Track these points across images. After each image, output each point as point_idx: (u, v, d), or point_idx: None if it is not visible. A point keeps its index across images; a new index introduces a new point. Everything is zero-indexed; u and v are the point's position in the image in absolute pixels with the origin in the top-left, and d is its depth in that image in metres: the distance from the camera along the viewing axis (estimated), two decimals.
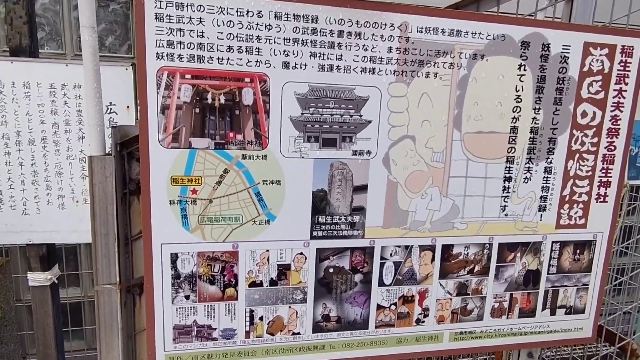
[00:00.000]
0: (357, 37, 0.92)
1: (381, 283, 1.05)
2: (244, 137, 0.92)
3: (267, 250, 0.98)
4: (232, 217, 0.94)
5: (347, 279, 1.03)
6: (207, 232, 0.94)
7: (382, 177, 1.00)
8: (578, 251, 1.15)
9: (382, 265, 1.04)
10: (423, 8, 0.95)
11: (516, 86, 1.02)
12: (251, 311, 0.99)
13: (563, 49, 1.03)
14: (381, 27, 0.93)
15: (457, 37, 0.97)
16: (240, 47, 0.88)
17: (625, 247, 1.49)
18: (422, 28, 0.95)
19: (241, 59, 0.89)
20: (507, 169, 1.06)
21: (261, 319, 1.00)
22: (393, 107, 0.97)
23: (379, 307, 1.06)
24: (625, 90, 1.08)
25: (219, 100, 0.89)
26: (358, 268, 1.03)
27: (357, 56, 0.93)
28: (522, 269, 1.12)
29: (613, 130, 1.10)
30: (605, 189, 1.13)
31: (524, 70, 1.02)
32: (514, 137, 1.05)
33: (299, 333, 1.03)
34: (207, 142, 0.90)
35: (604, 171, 1.12)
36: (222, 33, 0.87)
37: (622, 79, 1.07)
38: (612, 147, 1.11)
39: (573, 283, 1.16)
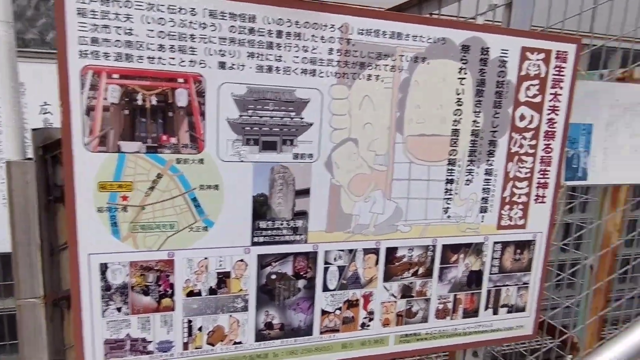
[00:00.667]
0: (297, 37, 0.90)
1: (325, 288, 1.03)
2: (178, 140, 0.87)
3: (206, 258, 0.94)
4: (167, 224, 0.90)
5: (290, 285, 1.01)
6: (139, 241, 0.89)
7: (324, 181, 0.98)
8: (518, 251, 1.18)
9: (326, 270, 1.02)
10: (364, 9, 0.94)
11: (457, 89, 1.03)
12: (189, 322, 0.95)
13: (502, 53, 1.05)
14: (321, 28, 0.91)
15: (398, 39, 0.97)
16: (173, 45, 0.84)
17: (565, 244, 1.56)
18: (363, 30, 0.94)
19: (174, 59, 0.84)
20: (449, 171, 1.07)
21: (200, 329, 0.96)
22: (335, 109, 0.96)
23: (324, 312, 1.05)
24: (561, 94, 1.12)
25: (150, 101, 0.85)
26: (301, 274, 1.01)
27: (297, 57, 0.91)
28: (465, 270, 1.14)
29: (550, 133, 1.13)
30: (544, 190, 1.16)
31: (465, 73, 1.03)
32: (455, 140, 1.06)
33: (240, 342, 0.99)
34: (138, 145, 0.85)
35: (541, 173, 1.15)
36: (152, 31, 0.82)
37: (557, 83, 1.11)
38: (549, 149, 1.14)
39: (514, 282, 1.19)
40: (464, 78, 1.03)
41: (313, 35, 0.91)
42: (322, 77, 0.93)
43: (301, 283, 1.02)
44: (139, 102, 0.84)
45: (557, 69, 1.10)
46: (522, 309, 1.22)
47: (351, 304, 1.07)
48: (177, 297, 0.94)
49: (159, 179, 0.88)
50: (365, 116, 0.98)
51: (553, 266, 2.07)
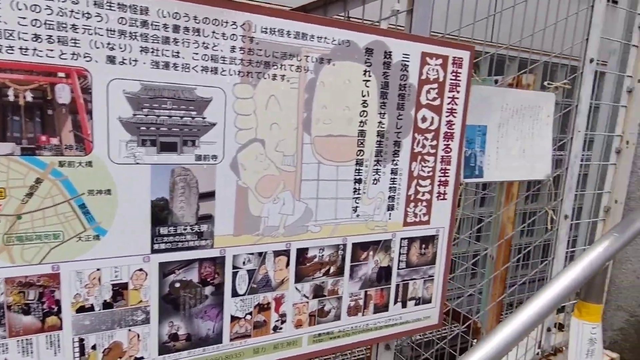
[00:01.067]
0: (196, 33, 0.86)
1: (235, 293, 1.00)
2: (61, 141, 0.79)
3: (98, 270, 0.86)
4: (50, 235, 0.81)
5: (197, 293, 0.96)
6: (16, 254, 0.79)
7: (230, 183, 0.95)
8: (424, 246, 1.24)
9: (234, 274, 0.99)
10: (267, 8, 0.92)
11: (362, 91, 1.05)
12: (81, 340, 0.87)
13: (403, 57, 1.09)
14: (222, 25, 0.88)
15: (303, 40, 0.96)
16: (51, 36, 0.75)
17: (468, 237, 1.68)
18: (266, 29, 0.92)
19: (52, 50, 0.76)
20: (357, 171, 1.09)
21: (94, 347, 0.88)
22: (239, 109, 0.93)
23: (234, 318, 1.01)
24: (458, 98, 1.19)
25: (25, 97, 0.76)
26: (208, 280, 0.97)
27: (197, 54, 0.87)
28: (375, 267, 1.17)
29: (449, 134, 1.20)
30: (445, 188, 1.23)
31: (369, 76, 1.06)
32: (362, 141, 1.08)
33: (142, 357, 0.93)
34: (11, 147, 0.76)
35: (442, 171, 1.22)
36: (24, 18, 0.73)
37: (454, 87, 1.18)
38: (449, 149, 1.21)
39: (420, 276, 1.25)
40: (369, 80, 1.06)
41: (214, 32, 0.87)
42: (224, 75, 0.90)
43: (208, 290, 0.97)
44: (11, 98, 0.75)
45: (454, 74, 1.17)
46: (429, 301, 1.28)
47: (262, 308, 1.05)
48: (65, 314, 0.85)
49: (39, 185, 0.78)
50: (271, 116, 0.96)
51: (464, 257, 2.23)
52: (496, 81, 1.69)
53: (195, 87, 0.88)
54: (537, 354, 1.76)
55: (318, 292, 1.11)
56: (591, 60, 1.50)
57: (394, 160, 1.14)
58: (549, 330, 1.76)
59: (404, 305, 1.25)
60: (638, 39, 1.69)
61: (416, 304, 1.27)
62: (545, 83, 1.47)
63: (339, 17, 1.27)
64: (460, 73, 1.18)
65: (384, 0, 1.20)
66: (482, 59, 1.64)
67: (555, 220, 1.61)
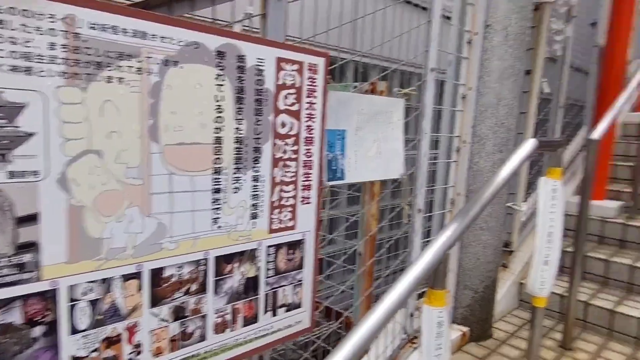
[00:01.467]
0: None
1: (74, 330, 0.86)
2: None
3: None
4: None
5: (22, 337, 0.80)
6: None
7: (59, 203, 0.81)
8: (291, 251, 1.23)
9: (72, 308, 0.85)
10: (95, 2, 0.81)
11: (216, 96, 1.00)
12: None
13: (258, 62, 1.07)
14: (36, 17, 0.75)
15: (143, 39, 0.87)
16: None
17: (344, 236, 1.75)
18: (95, 25, 0.81)
19: None
20: (216, 180, 1.03)
21: None
22: (65, 116, 0.80)
23: (75, 359, 0.87)
24: (315, 103, 1.22)
25: None
26: (37, 319, 0.81)
27: (2, 50, 0.72)
28: (241, 279, 1.13)
29: (309, 139, 1.22)
30: (308, 192, 1.25)
31: (222, 80, 1.01)
32: (219, 148, 1.03)
33: None
34: None
35: (305, 176, 1.23)
36: None
37: (311, 93, 1.20)
38: (310, 154, 1.23)
39: (289, 281, 1.24)
40: (222, 85, 1.01)
41: (24, 25, 0.73)
42: (42, 76, 0.76)
43: (38, 330, 0.82)
44: None
45: (310, 79, 1.19)
46: (299, 305, 1.29)
47: (112, 341, 0.92)
48: None
49: None
50: (109, 124, 0.85)
51: (339, 256, 2.31)
52: (355, 87, 1.78)
53: (3, 90, 0.73)
54: (404, 338, 1.91)
55: (179, 313, 1.02)
56: (432, 70, 1.68)
57: (254, 167, 1.11)
58: (411, 315, 1.92)
59: (274, 314, 1.23)
60: (467, 52, 1.94)
61: (287, 310, 1.26)
62: (395, 90, 1.60)
63: (188, 17, 1.19)
64: (316, 79, 1.20)
65: (236, 2, 1.17)
66: (347, 65, 1.72)
67: (411, 214, 1.76)
